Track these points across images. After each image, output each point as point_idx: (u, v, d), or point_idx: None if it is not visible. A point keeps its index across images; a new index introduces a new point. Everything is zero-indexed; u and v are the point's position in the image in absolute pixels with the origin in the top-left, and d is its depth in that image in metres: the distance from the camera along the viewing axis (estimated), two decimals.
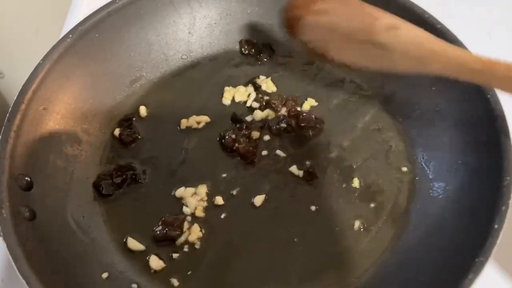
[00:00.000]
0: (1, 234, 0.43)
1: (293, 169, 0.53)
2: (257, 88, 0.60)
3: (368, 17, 0.47)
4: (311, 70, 0.61)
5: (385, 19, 0.46)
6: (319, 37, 0.51)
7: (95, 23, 0.57)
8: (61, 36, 0.55)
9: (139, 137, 0.56)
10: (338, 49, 0.50)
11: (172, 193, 0.52)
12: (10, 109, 0.50)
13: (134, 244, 0.49)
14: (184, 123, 0.57)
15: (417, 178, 0.53)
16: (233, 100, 0.59)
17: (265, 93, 0.59)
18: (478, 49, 0.51)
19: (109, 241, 0.50)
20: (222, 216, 0.51)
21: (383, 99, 0.58)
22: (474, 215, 0.46)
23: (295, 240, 0.50)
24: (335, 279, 0.48)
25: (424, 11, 0.55)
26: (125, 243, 0.49)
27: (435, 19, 0.54)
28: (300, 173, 0.53)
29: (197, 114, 0.58)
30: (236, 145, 0.54)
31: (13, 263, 0.42)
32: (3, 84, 1.16)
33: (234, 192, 0.53)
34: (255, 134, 0.55)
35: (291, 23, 0.53)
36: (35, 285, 0.41)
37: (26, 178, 0.48)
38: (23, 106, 0.50)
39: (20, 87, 1.15)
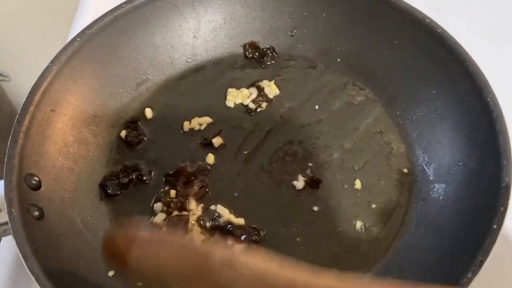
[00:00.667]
0: (11, 232, 0.44)
1: (296, 183, 0.54)
2: (260, 90, 0.61)
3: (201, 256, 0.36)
4: (314, 73, 0.62)
5: (218, 257, 0.35)
6: (149, 280, 0.38)
7: (102, 27, 0.58)
8: (67, 40, 0.57)
9: (145, 138, 0.57)
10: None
11: None
12: (19, 110, 0.51)
13: None
14: (186, 125, 0.58)
15: (418, 179, 0.54)
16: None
17: (267, 96, 0.60)
18: (477, 53, 0.52)
19: None
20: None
21: (385, 102, 0.59)
22: (474, 215, 0.47)
23: (298, 240, 0.51)
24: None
25: (425, 16, 0.56)
26: None
27: (435, 23, 0.55)
28: (301, 184, 0.53)
29: (200, 116, 0.59)
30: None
31: (22, 261, 0.42)
32: (9, 87, 1.17)
33: (235, 194, 0.54)
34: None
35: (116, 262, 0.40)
36: (44, 283, 0.42)
37: (35, 178, 0.49)
38: (32, 108, 0.51)
39: (26, 90, 1.16)
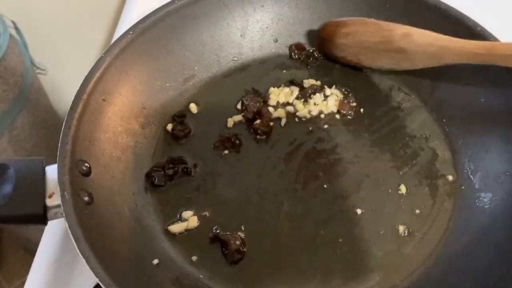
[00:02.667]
0: (63, 215, 0.45)
1: None
2: (302, 88, 0.61)
3: (385, 31, 0.57)
4: (360, 78, 0.62)
5: (399, 29, 0.56)
6: (350, 52, 0.61)
7: (154, 21, 0.59)
8: (113, 36, 0.57)
9: (190, 133, 0.58)
10: (368, 59, 0.60)
11: None
12: (73, 98, 0.52)
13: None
14: (230, 122, 0.59)
15: (462, 187, 0.53)
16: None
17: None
18: None
19: (159, 229, 0.51)
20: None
21: (431, 108, 0.59)
22: None
23: (340, 240, 0.51)
24: (379, 281, 0.49)
25: (476, 23, 0.56)
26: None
27: (487, 31, 0.55)
28: None
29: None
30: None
31: (74, 243, 0.43)
32: (46, 80, 1.20)
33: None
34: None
35: (325, 44, 0.63)
36: (94, 265, 0.42)
37: (86, 164, 0.50)
38: (85, 96, 0.53)
39: (62, 83, 1.19)
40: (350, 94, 0.60)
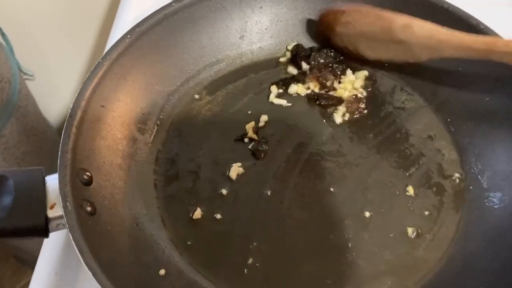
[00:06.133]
0: (66, 226, 0.44)
1: None
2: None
3: (386, 21, 0.56)
4: None
5: (400, 20, 0.55)
6: (349, 41, 0.60)
7: (152, 25, 0.58)
8: (106, 42, 0.56)
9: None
10: (367, 49, 0.60)
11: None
12: (71, 105, 0.51)
13: None
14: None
15: (471, 187, 0.53)
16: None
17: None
18: None
19: (165, 238, 0.50)
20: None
21: (435, 108, 0.58)
22: None
23: (350, 245, 0.50)
24: (390, 285, 0.48)
25: (479, 22, 0.55)
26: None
27: (490, 29, 0.55)
28: None
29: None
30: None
31: (78, 255, 0.42)
32: (34, 85, 1.18)
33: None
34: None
35: (325, 33, 0.62)
36: (100, 277, 0.41)
37: (87, 173, 0.48)
38: (83, 103, 0.51)
39: (50, 89, 1.17)
40: (364, 94, 0.60)
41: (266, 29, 0.64)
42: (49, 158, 1.08)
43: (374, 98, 0.60)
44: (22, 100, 1.06)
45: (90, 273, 0.41)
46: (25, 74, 1.12)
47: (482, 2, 0.67)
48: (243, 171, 0.54)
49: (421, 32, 0.54)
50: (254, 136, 0.56)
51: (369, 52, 0.60)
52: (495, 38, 0.53)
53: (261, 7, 0.63)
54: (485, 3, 0.68)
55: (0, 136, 0.99)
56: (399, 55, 0.57)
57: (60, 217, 0.44)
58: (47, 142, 1.14)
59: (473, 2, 0.60)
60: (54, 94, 1.23)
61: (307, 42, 0.64)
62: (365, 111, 0.59)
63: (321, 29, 0.63)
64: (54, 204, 0.45)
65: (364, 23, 0.58)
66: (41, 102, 1.21)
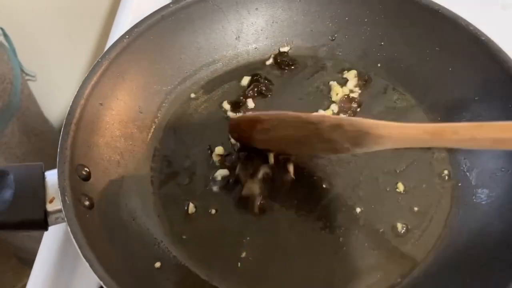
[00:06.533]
0: (64, 220, 0.45)
1: None
2: None
3: (311, 125, 0.50)
4: None
5: (327, 122, 0.50)
6: (274, 145, 0.54)
7: (150, 25, 0.59)
8: (107, 41, 0.57)
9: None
10: (290, 149, 0.54)
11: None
12: (70, 103, 0.52)
13: None
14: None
15: (459, 184, 0.54)
16: None
17: None
18: None
19: (161, 232, 0.51)
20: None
21: (426, 107, 0.59)
22: None
23: (341, 239, 0.51)
24: (379, 278, 0.49)
25: (469, 23, 0.57)
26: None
27: (479, 31, 0.56)
28: None
29: None
30: None
31: (76, 247, 0.43)
32: (35, 86, 1.19)
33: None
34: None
35: (241, 140, 0.56)
36: (97, 269, 0.42)
37: (85, 169, 0.50)
38: (82, 101, 0.52)
39: (51, 89, 1.18)
40: (360, 91, 0.61)
41: (261, 30, 0.66)
42: (50, 157, 1.09)
43: (367, 97, 0.61)
44: (23, 101, 1.07)
45: (87, 265, 0.42)
46: (27, 75, 1.14)
47: (475, 5, 0.69)
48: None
49: (354, 131, 0.48)
50: None
51: (293, 151, 0.54)
52: (442, 126, 0.48)
53: (256, 9, 0.65)
54: (477, 6, 0.71)
55: (1, 135, 1.00)
56: (330, 151, 0.53)
57: (59, 210, 0.46)
58: (48, 142, 1.16)
59: (466, 5, 0.62)
60: (55, 95, 1.25)
61: (302, 43, 0.65)
62: (358, 110, 0.60)
63: (236, 135, 0.56)
64: (53, 198, 0.47)
65: (287, 128, 0.52)
66: (42, 102, 1.23)
